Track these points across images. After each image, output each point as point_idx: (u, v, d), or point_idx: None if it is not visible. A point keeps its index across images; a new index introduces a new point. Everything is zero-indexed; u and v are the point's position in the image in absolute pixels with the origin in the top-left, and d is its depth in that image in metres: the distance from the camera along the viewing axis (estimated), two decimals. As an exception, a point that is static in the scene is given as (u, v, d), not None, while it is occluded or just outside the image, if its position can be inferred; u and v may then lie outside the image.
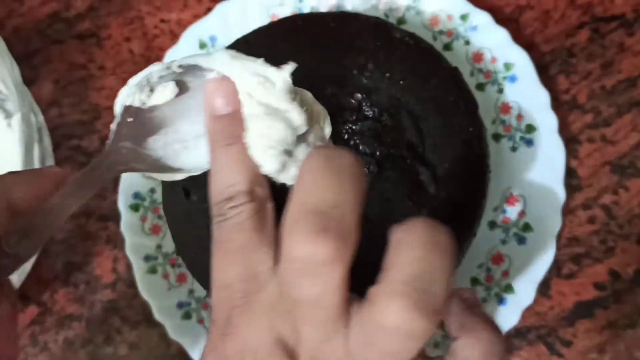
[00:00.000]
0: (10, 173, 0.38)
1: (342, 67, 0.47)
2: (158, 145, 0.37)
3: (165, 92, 0.37)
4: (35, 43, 0.63)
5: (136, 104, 0.38)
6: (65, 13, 0.63)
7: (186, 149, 0.38)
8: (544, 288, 0.52)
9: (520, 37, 0.55)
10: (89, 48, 0.62)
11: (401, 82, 0.46)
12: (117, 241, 0.58)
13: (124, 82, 0.58)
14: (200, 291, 0.54)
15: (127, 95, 0.38)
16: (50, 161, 0.58)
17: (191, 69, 0.37)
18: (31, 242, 0.35)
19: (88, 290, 0.58)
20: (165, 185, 0.50)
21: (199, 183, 0.47)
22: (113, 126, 0.38)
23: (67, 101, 0.62)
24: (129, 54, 0.62)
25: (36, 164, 0.55)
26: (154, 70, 0.38)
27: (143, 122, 0.37)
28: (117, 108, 0.39)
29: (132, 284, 0.55)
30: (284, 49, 0.48)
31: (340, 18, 0.50)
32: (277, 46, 0.48)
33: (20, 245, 0.34)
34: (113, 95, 0.60)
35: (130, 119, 0.37)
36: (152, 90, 0.38)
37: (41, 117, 0.59)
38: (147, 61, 0.60)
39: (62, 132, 0.61)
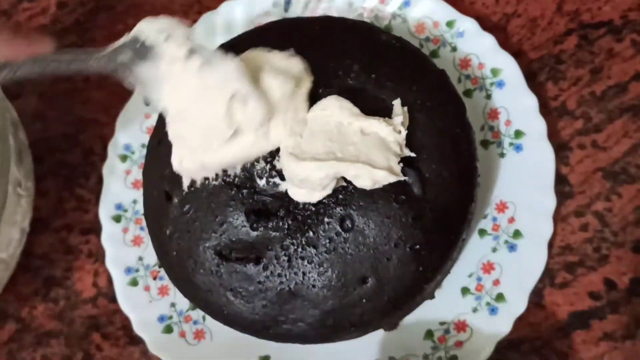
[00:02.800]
0: None
1: (327, 69, 0.46)
2: (149, 71, 0.42)
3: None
4: (21, 57, 0.63)
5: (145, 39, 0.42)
6: (52, 27, 0.63)
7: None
8: (537, 298, 0.50)
9: (507, 45, 0.54)
10: (75, 61, 0.62)
11: (387, 83, 0.45)
12: (98, 255, 0.56)
13: (108, 94, 0.58)
14: (182, 304, 0.52)
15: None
16: (30, 184, 0.56)
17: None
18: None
19: (68, 305, 0.56)
20: (147, 190, 0.49)
21: (180, 186, 0.46)
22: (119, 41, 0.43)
23: (51, 114, 0.61)
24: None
25: (12, 185, 0.53)
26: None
27: (144, 52, 0.42)
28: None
29: (113, 299, 0.54)
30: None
31: (326, 22, 0.50)
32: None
33: None
34: (97, 109, 0.60)
35: (137, 45, 0.42)
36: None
37: (23, 136, 0.58)
38: (133, 73, 0.60)
39: (45, 145, 0.60)
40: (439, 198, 0.44)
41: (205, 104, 0.41)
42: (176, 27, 0.42)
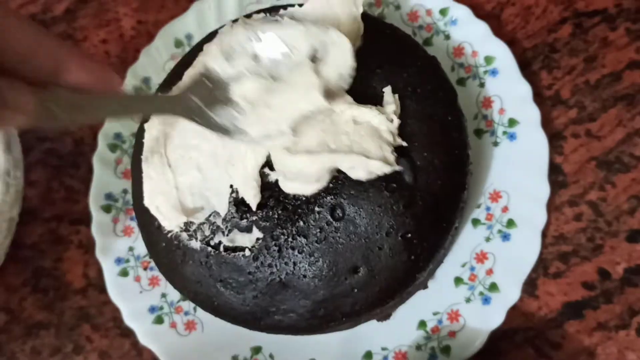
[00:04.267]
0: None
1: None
2: (223, 113, 0.41)
3: (242, 62, 0.42)
4: (10, 46, 0.62)
5: (217, 69, 0.42)
6: (42, 16, 0.63)
7: (247, 121, 0.41)
8: (530, 288, 0.50)
9: (501, 34, 0.54)
10: (65, 50, 0.61)
11: (377, 70, 0.45)
12: (88, 246, 0.56)
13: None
14: (173, 295, 0.52)
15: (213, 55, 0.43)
16: (19, 173, 0.56)
17: (265, 38, 0.43)
18: (68, 115, 0.33)
19: (57, 296, 0.56)
20: (135, 183, 0.48)
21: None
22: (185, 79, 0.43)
23: (41, 103, 0.60)
24: (105, 56, 0.61)
25: (0, 174, 0.52)
26: (237, 37, 0.43)
27: (219, 90, 0.42)
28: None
29: (103, 290, 0.53)
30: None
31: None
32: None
33: (57, 109, 0.33)
34: (88, 97, 0.59)
35: (208, 82, 0.42)
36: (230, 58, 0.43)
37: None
38: (124, 63, 0.59)
39: (34, 135, 0.59)
40: (431, 186, 0.43)
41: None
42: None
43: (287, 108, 0.41)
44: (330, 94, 0.41)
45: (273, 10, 0.48)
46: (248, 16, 0.49)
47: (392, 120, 0.42)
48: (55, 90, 0.33)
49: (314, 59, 0.42)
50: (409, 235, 0.42)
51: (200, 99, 0.41)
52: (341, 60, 0.42)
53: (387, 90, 0.43)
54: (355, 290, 0.43)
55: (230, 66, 0.42)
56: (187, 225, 0.44)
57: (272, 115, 0.41)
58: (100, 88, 0.35)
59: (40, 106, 0.31)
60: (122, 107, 0.37)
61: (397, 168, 0.41)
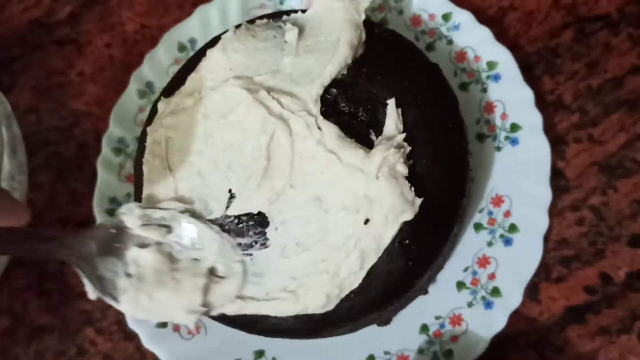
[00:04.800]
0: None
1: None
2: (111, 267, 0.41)
3: (154, 233, 0.43)
4: (15, 50, 0.62)
5: (130, 223, 0.42)
6: (46, 20, 0.63)
7: (126, 292, 0.42)
8: (533, 292, 0.50)
9: (504, 39, 0.54)
10: (69, 54, 0.62)
11: (378, 77, 0.45)
12: (92, 249, 0.56)
13: (102, 88, 0.58)
14: (176, 298, 0.52)
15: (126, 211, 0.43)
16: (23, 177, 0.56)
17: (187, 224, 0.44)
18: None
19: (61, 300, 0.56)
20: (138, 186, 0.48)
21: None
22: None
23: (45, 107, 0.61)
24: (109, 60, 0.61)
25: (5, 178, 0.53)
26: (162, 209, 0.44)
27: (120, 240, 0.42)
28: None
29: (107, 293, 0.53)
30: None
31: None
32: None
33: None
34: (92, 101, 0.60)
35: (114, 230, 0.42)
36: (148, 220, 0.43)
37: (16, 129, 0.57)
38: (127, 67, 0.59)
39: (39, 138, 0.60)
40: (429, 193, 0.43)
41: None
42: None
43: (164, 308, 0.42)
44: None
45: (276, 16, 0.49)
46: (251, 21, 0.49)
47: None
48: None
49: (212, 271, 0.43)
50: (407, 241, 0.42)
51: (97, 244, 0.41)
52: (231, 291, 0.43)
53: (391, 103, 0.43)
54: (352, 294, 0.43)
55: (143, 229, 0.43)
56: None
57: (148, 305, 0.42)
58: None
59: None
60: (8, 245, 0.37)
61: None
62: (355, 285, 0.42)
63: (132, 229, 0.43)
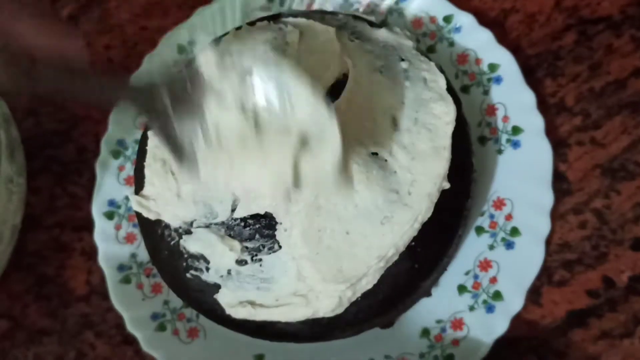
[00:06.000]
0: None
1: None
2: (189, 130, 0.36)
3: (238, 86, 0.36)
4: (13, 52, 0.62)
5: (205, 75, 0.36)
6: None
7: (205, 161, 0.37)
8: (534, 296, 0.49)
9: (505, 41, 0.54)
10: (68, 56, 0.61)
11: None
12: (91, 252, 0.55)
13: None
14: (175, 302, 0.52)
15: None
16: (22, 180, 0.56)
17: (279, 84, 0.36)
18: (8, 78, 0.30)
19: (61, 303, 0.56)
20: (138, 190, 0.48)
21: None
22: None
23: (44, 110, 0.60)
24: (108, 62, 0.61)
25: (3, 181, 0.52)
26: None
27: (198, 97, 0.35)
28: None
29: (106, 297, 0.53)
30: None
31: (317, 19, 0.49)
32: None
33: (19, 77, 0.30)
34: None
35: (190, 85, 0.35)
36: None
37: (15, 132, 0.57)
38: (127, 69, 0.59)
39: (37, 142, 0.59)
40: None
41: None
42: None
43: (245, 179, 0.38)
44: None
45: (277, 17, 0.48)
46: (251, 23, 0.49)
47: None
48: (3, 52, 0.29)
49: (304, 141, 0.36)
50: (413, 243, 0.42)
51: (171, 99, 0.35)
52: (326, 168, 0.37)
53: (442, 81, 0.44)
54: (359, 298, 0.42)
55: (220, 79, 0.36)
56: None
57: (231, 175, 0.37)
58: (57, 53, 0.30)
59: None
60: (71, 79, 0.31)
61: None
62: (370, 287, 0.42)
63: (209, 78, 0.36)
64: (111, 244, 0.53)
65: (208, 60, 0.36)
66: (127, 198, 0.54)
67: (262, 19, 0.49)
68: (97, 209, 0.54)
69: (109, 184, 0.55)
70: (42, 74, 0.30)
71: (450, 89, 0.45)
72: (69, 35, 0.31)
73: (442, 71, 0.45)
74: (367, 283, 0.41)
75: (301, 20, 0.45)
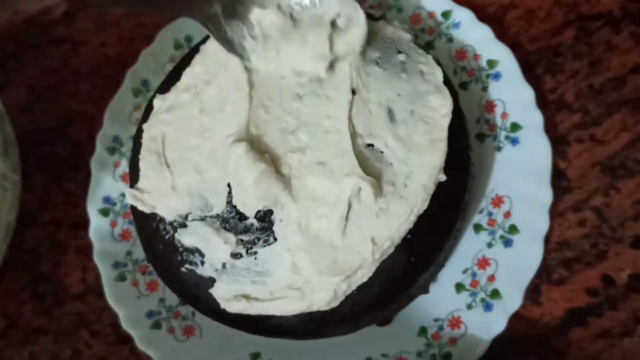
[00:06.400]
0: None
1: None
2: (237, 30, 0.44)
3: None
4: (9, 48, 0.62)
5: None
6: (41, 19, 0.62)
7: (254, 52, 0.44)
8: (533, 295, 0.49)
9: (504, 37, 0.53)
10: (64, 53, 0.61)
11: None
12: (87, 250, 0.55)
13: (98, 87, 0.57)
14: (171, 300, 0.51)
15: None
16: (16, 177, 0.55)
17: None
18: None
19: (56, 302, 0.55)
20: (133, 185, 0.48)
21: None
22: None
23: (39, 107, 0.60)
24: (104, 59, 0.60)
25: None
26: None
27: (240, 2, 0.43)
28: None
29: (102, 295, 0.52)
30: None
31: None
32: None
33: None
34: (87, 101, 0.59)
35: None
36: None
37: (10, 128, 0.57)
38: (123, 65, 0.58)
39: (33, 138, 0.59)
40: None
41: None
42: None
43: (291, 61, 0.43)
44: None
45: None
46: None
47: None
48: None
49: (334, 24, 0.43)
50: (409, 236, 0.41)
51: (220, 6, 0.42)
52: (356, 39, 0.43)
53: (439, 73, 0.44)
54: (355, 291, 0.42)
55: None
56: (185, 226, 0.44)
57: (278, 59, 0.43)
58: None
59: None
60: None
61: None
62: (365, 279, 0.41)
63: None
64: (106, 241, 0.53)
65: None
66: (122, 195, 0.54)
67: None
68: (93, 206, 0.54)
69: (105, 181, 0.54)
70: None
71: (447, 82, 0.45)
72: None
73: (439, 64, 0.45)
74: (363, 276, 0.41)
75: None
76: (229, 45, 0.43)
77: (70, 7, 0.34)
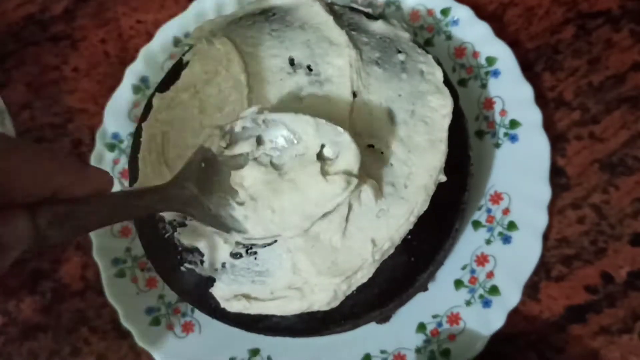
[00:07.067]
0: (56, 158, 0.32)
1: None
2: (221, 203, 0.39)
3: (244, 147, 0.39)
4: (8, 46, 0.62)
5: (214, 149, 0.39)
6: (40, 16, 0.62)
7: (247, 218, 0.39)
8: (533, 292, 0.49)
9: (504, 35, 0.53)
10: (63, 50, 0.61)
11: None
12: (87, 247, 0.55)
13: (97, 84, 0.56)
14: (170, 296, 0.51)
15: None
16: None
17: (273, 124, 0.39)
18: (61, 230, 0.30)
19: (55, 298, 0.55)
20: (133, 182, 0.48)
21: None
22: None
23: (39, 104, 0.60)
24: (104, 56, 0.60)
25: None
26: (241, 119, 0.39)
27: (215, 172, 0.39)
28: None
29: (101, 292, 0.53)
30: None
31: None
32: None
33: (49, 229, 0.30)
34: (86, 98, 0.59)
35: (203, 164, 0.38)
36: (231, 139, 0.39)
37: (10, 125, 0.57)
38: (122, 62, 0.59)
39: (32, 135, 0.59)
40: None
41: None
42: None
43: (292, 213, 0.39)
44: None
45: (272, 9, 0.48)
46: (247, 16, 0.48)
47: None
48: (47, 208, 0.29)
49: (321, 156, 0.39)
50: (409, 236, 0.41)
51: (195, 185, 0.37)
52: (350, 160, 0.38)
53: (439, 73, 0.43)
54: (355, 291, 0.42)
55: (230, 149, 0.39)
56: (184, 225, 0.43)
57: (275, 218, 0.39)
58: (94, 191, 0.31)
59: (33, 230, 0.28)
60: (113, 210, 0.33)
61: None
62: (365, 280, 0.41)
63: (219, 155, 0.39)
64: (106, 237, 0.53)
65: (214, 145, 0.39)
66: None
67: (262, 13, 0.49)
68: (92, 202, 0.53)
69: (104, 178, 0.54)
70: (84, 214, 0.31)
71: (447, 82, 0.45)
72: (97, 171, 0.32)
73: (439, 63, 0.45)
74: (363, 276, 0.41)
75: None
76: (217, 222, 0.39)
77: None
